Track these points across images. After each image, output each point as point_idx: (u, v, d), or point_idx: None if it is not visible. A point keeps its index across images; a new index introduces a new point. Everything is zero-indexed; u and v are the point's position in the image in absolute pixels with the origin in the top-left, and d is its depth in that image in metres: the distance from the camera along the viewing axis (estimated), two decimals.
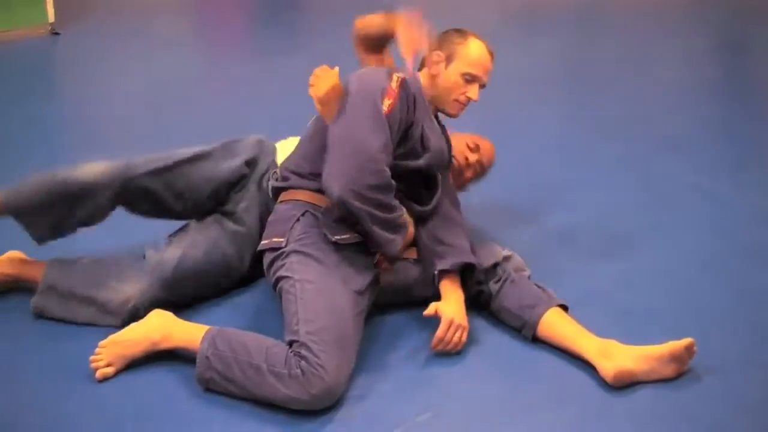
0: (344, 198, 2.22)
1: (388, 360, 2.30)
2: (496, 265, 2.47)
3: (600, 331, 2.29)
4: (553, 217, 3.23)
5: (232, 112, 4.52)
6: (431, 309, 2.31)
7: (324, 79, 2.34)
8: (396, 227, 2.34)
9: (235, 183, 2.61)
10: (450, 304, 2.34)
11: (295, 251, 2.29)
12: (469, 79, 2.49)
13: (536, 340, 2.37)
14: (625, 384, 2.18)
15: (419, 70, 2.57)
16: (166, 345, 2.23)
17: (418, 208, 2.49)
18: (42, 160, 3.73)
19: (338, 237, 2.30)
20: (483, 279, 2.46)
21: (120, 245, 2.76)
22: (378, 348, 2.34)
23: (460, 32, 2.56)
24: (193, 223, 2.61)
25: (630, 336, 2.28)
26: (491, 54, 2.54)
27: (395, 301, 2.49)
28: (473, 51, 2.50)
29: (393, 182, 2.29)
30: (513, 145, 4.02)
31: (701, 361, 2.23)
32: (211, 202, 2.61)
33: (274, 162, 2.66)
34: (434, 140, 2.49)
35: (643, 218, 3.24)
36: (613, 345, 2.23)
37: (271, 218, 2.44)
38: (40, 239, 2.52)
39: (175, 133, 4.15)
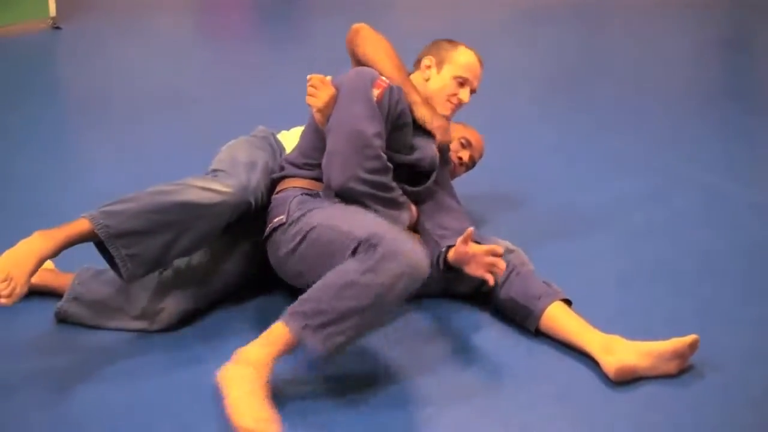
0: (345, 184, 2.32)
1: (388, 356, 2.30)
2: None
3: (602, 327, 2.29)
4: (553, 214, 3.23)
5: (236, 104, 4.51)
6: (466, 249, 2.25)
7: (322, 90, 2.43)
8: (398, 204, 2.43)
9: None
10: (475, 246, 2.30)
11: (300, 215, 2.32)
12: (461, 82, 2.62)
13: (539, 334, 2.37)
14: (627, 379, 2.17)
15: (411, 72, 2.67)
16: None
17: (410, 188, 2.53)
18: (42, 155, 3.74)
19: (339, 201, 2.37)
20: None
21: None
22: (378, 344, 2.34)
23: (451, 41, 2.70)
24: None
25: (632, 332, 2.27)
26: (480, 62, 2.66)
27: None
28: (465, 56, 2.65)
29: (390, 165, 2.38)
30: (514, 141, 4.03)
31: (703, 357, 2.23)
32: None
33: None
34: (423, 142, 2.53)
35: (644, 214, 3.24)
36: (616, 340, 2.23)
37: (269, 209, 2.47)
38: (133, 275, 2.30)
39: (178, 127, 4.15)
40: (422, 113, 2.56)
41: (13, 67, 5.40)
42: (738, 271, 2.80)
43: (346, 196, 2.35)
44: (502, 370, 2.27)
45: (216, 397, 2.11)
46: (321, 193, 2.42)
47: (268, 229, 2.42)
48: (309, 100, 2.46)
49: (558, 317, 2.34)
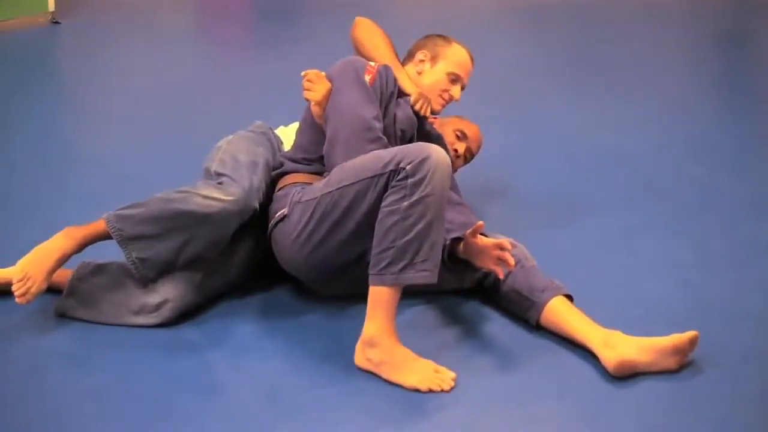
0: None
1: None
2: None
3: (602, 323, 2.29)
4: (552, 209, 3.23)
5: (236, 100, 4.51)
6: (472, 240, 2.29)
7: (319, 83, 2.46)
8: None
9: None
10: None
11: (300, 199, 2.34)
12: (454, 78, 2.68)
13: (540, 328, 2.37)
14: (626, 374, 2.17)
15: (404, 65, 2.72)
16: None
17: None
18: (39, 150, 3.74)
19: None
20: None
21: None
22: None
23: (444, 37, 2.75)
24: None
25: (631, 327, 2.27)
26: (472, 60, 2.73)
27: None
28: (458, 53, 2.71)
29: (390, 146, 2.38)
30: (514, 138, 4.03)
31: (703, 353, 2.22)
32: None
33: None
34: (400, 113, 2.57)
35: (644, 210, 3.24)
36: (616, 335, 2.23)
37: (270, 205, 2.49)
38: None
39: (176, 124, 4.15)
40: (405, 83, 2.63)
41: (12, 62, 5.39)
42: (738, 267, 2.80)
43: None
44: (502, 365, 2.26)
45: (216, 390, 2.11)
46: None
47: (270, 224, 2.43)
48: (306, 94, 2.48)
49: (559, 311, 2.34)
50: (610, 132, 4.17)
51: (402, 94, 2.61)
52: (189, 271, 2.41)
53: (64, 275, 2.47)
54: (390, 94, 2.50)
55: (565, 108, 4.59)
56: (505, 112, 4.36)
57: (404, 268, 2.14)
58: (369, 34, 2.75)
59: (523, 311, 2.40)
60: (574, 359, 2.27)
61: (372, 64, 2.52)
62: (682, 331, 2.19)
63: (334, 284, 2.49)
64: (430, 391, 2.11)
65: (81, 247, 2.36)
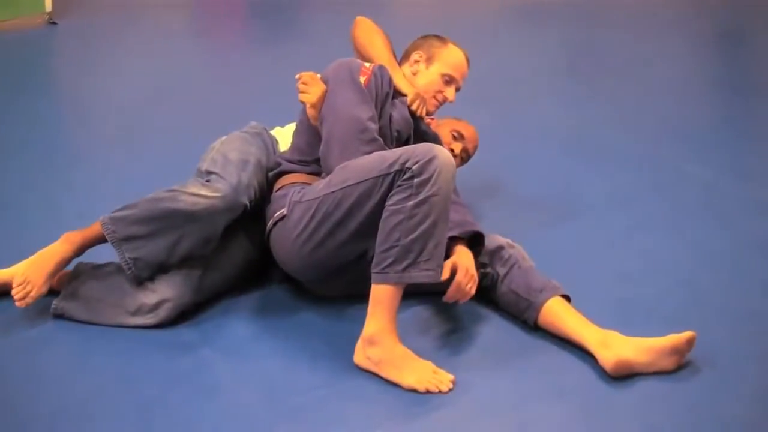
0: None
1: None
2: (500, 249, 2.48)
3: (600, 323, 2.28)
4: (551, 209, 3.22)
5: (232, 100, 4.50)
6: (447, 271, 2.30)
7: (313, 85, 2.47)
8: None
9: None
10: (463, 258, 2.37)
11: (300, 199, 2.34)
12: (448, 80, 2.68)
13: (537, 328, 2.37)
14: (624, 375, 2.17)
15: (400, 65, 2.71)
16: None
17: None
18: (36, 151, 3.73)
19: None
20: (487, 262, 2.48)
21: None
22: None
23: (440, 38, 2.74)
24: None
25: (629, 327, 2.26)
26: (468, 61, 2.72)
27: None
28: (453, 55, 2.70)
29: (386, 147, 2.39)
30: (515, 137, 4.03)
31: (701, 353, 2.22)
32: None
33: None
34: (396, 114, 2.56)
35: (644, 210, 3.23)
36: (614, 336, 2.22)
37: (269, 206, 2.49)
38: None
39: (174, 124, 4.14)
40: (401, 83, 2.62)
41: (9, 63, 5.38)
42: (736, 267, 2.79)
43: None
44: (499, 365, 2.26)
45: (214, 391, 2.11)
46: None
47: (269, 224, 2.42)
48: (301, 97, 2.49)
49: (557, 311, 2.34)
50: (610, 131, 4.17)
51: (398, 94, 2.61)
52: (186, 271, 2.40)
53: (61, 276, 2.47)
54: (385, 95, 2.50)
55: (564, 107, 4.59)
56: (503, 112, 4.35)
57: (408, 266, 2.15)
58: (368, 33, 2.74)
59: (520, 312, 2.40)
60: (572, 360, 2.26)
61: (367, 65, 2.51)
62: (680, 331, 2.19)
63: (332, 285, 2.49)
64: (428, 392, 2.10)
65: (80, 251, 2.40)
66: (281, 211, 2.38)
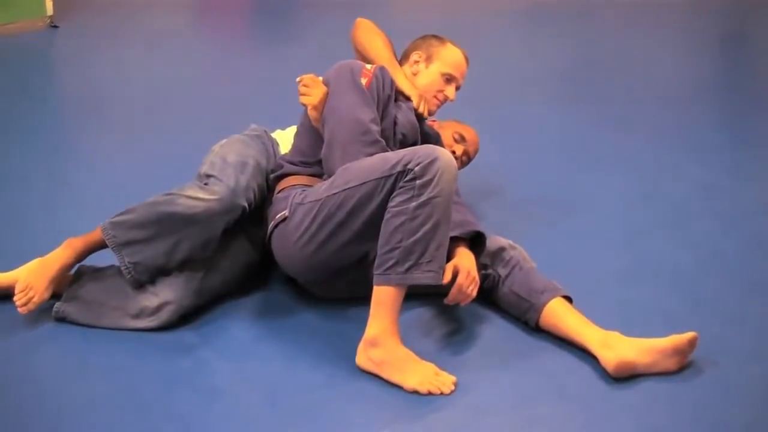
0: None
1: None
2: (502, 250, 2.48)
3: (602, 323, 2.28)
4: (553, 210, 3.22)
5: (233, 104, 4.50)
6: (448, 274, 2.30)
7: (315, 88, 2.47)
8: None
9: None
10: (465, 261, 2.37)
11: (302, 201, 2.34)
12: (449, 78, 2.68)
13: (538, 329, 2.37)
14: (626, 375, 2.17)
15: (400, 65, 2.71)
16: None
17: None
18: (37, 154, 3.73)
19: None
20: (489, 263, 2.48)
21: None
22: None
23: (438, 37, 2.74)
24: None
25: (631, 328, 2.27)
26: (467, 60, 2.72)
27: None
28: (453, 54, 2.70)
29: (388, 149, 2.39)
30: (513, 138, 4.03)
31: (703, 353, 2.22)
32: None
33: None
34: (402, 117, 2.56)
35: (644, 211, 3.23)
36: (616, 337, 2.22)
37: (270, 207, 2.49)
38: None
39: (175, 126, 4.14)
40: (403, 84, 2.62)
41: (10, 66, 5.38)
42: (738, 268, 2.79)
43: None
44: (501, 366, 2.26)
45: (216, 393, 2.11)
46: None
47: (270, 226, 2.42)
48: (303, 99, 2.49)
49: (558, 312, 2.34)
50: (610, 132, 4.16)
51: (400, 96, 2.61)
52: (187, 273, 2.41)
53: (63, 280, 2.47)
54: (387, 96, 2.50)
55: (564, 108, 4.59)
56: (503, 112, 4.35)
57: (410, 268, 2.15)
58: (369, 35, 2.75)
59: (522, 313, 2.40)
60: (574, 361, 2.26)
61: (368, 66, 2.52)
62: (682, 332, 2.19)
63: (333, 286, 2.49)
64: (430, 393, 2.10)
65: (82, 257, 2.41)
66: (283, 212, 2.38)
